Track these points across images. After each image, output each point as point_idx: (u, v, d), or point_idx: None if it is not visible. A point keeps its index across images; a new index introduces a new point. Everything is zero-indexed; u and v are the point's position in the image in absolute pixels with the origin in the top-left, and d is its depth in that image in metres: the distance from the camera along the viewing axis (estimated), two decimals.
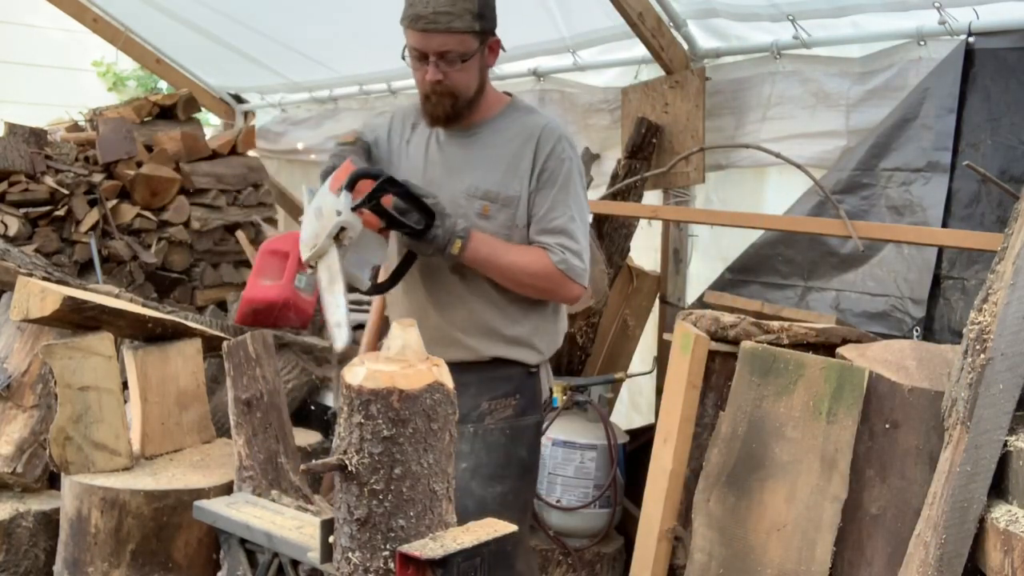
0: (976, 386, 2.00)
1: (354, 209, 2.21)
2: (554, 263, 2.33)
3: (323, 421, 4.16)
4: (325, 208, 2.24)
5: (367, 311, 4.55)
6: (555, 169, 2.37)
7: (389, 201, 2.24)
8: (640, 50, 3.89)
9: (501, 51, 2.45)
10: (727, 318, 2.78)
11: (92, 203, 4.91)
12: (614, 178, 3.90)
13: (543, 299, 2.44)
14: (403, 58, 2.40)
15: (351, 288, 2.29)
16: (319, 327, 4.68)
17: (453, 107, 2.37)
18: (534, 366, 2.48)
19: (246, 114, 6.34)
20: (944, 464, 2.09)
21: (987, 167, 2.87)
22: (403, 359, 1.87)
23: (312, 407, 4.33)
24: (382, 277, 2.41)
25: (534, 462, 2.54)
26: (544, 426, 3.26)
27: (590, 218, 2.39)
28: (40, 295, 3.28)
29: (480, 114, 2.44)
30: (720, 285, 3.62)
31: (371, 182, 2.21)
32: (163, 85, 7.44)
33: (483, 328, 2.42)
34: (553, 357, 3.52)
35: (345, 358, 2.97)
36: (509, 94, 2.56)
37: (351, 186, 2.21)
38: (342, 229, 2.21)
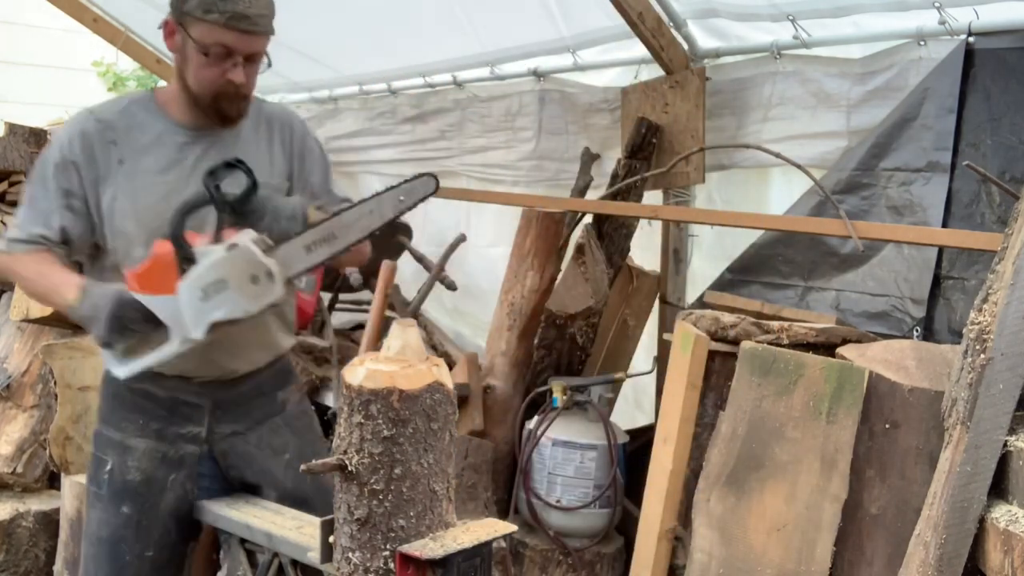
0: (976, 386, 2.00)
1: None
2: None
3: (323, 421, 4.16)
4: None
5: (367, 311, 4.55)
6: None
7: None
8: (640, 50, 3.89)
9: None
10: (727, 318, 2.78)
11: None
12: (614, 178, 3.90)
13: None
14: (177, 49, 2.23)
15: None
16: (319, 327, 4.69)
17: (246, 109, 2.32)
18: None
19: None
20: (944, 464, 2.09)
21: (987, 167, 2.87)
22: (403, 359, 1.87)
23: (312, 407, 4.32)
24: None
25: None
26: (544, 427, 3.28)
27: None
28: None
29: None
30: (720, 285, 3.62)
31: None
32: (163, 85, 7.44)
33: None
34: (555, 356, 3.55)
35: (345, 358, 2.98)
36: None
37: None
38: None
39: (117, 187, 2.24)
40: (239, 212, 1.99)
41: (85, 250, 2.32)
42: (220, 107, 2.25)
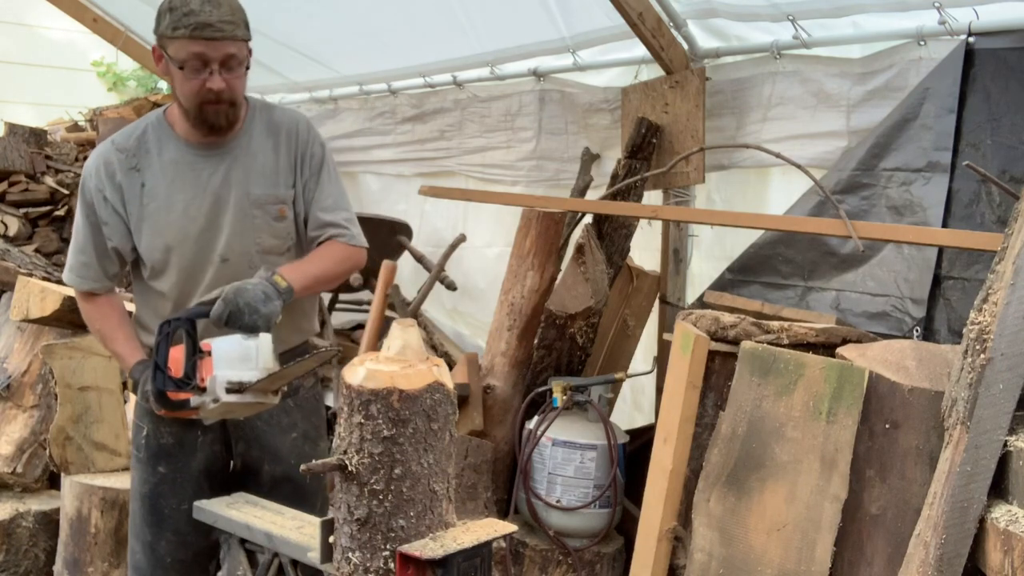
0: (976, 386, 2.00)
1: None
2: None
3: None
4: None
5: (367, 311, 4.56)
6: None
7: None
8: (640, 50, 3.89)
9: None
10: (727, 318, 2.77)
11: None
12: (614, 178, 3.90)
13: None
14: (164, 72, 2.45)
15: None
16: (319, 327, 4.69)
17: (235, 116, 2.47)
18: None
19: None
20: (944, 464, 2.09)
21: (987, 167, 2.87)
22: (403, 359, 1.87)
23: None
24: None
25: None
26: (544, 427, 3.28)
27: None
28: (40, 295, 3.29)
29: None
30: (720, 285, 3.62)
31: None
32: (163, 85, 7.44)
33: None
34: (555, 356, 3.55)
35: (345, 358, 2.99)
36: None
37: None
38: None
39: (143, 208, 2.49)
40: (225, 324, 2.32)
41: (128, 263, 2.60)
42: (206, 116, 2.42)
